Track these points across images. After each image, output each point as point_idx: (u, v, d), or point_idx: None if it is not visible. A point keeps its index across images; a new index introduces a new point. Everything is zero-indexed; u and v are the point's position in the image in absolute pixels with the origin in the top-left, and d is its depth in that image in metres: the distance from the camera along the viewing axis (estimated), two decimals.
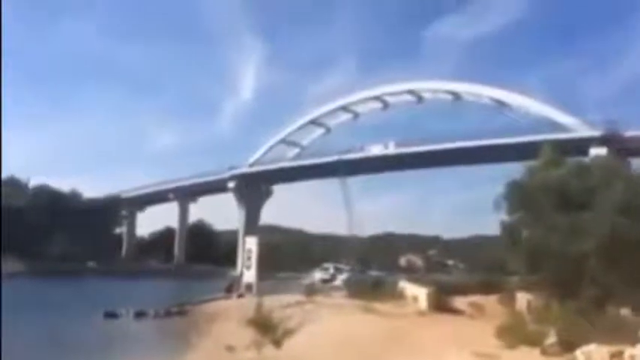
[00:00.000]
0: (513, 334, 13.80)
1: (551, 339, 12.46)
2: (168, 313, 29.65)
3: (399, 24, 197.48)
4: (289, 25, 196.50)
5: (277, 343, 10.74)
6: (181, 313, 30.01)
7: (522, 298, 21.13)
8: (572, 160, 21.47)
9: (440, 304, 23.55)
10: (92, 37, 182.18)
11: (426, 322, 19.28)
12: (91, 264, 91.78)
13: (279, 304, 28.25)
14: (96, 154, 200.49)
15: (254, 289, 34.20)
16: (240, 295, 33.97)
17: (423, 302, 23.90)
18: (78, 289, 45.93)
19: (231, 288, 34.91)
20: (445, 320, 20.29)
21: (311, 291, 29.56)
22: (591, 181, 17.69)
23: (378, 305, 25.35)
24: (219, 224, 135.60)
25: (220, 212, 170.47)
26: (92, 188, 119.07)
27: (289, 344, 13.08)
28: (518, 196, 18.90)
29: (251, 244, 35.10)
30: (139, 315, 28.78)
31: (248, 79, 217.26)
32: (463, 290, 30.82)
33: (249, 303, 29.82)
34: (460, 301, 26.32)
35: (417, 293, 26.06)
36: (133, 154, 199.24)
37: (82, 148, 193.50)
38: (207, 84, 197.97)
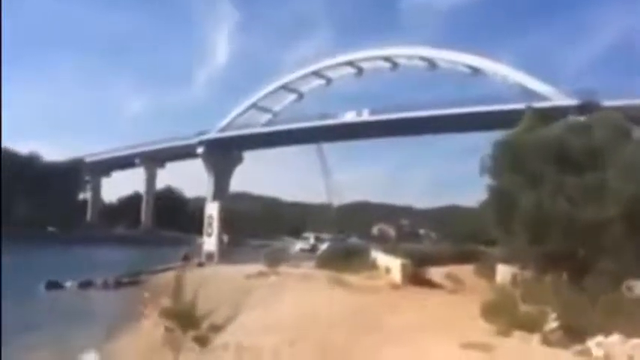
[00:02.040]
0: (503, 315, 11.74)
1: (552, 323, 10.41)
2: (119, 284, 27.14)
3: None
4: None
5: (202, 341, 7.75)
6: (133, 283, 27.51)
7: (504, 271, 19.20)
8: (569, 119, 19.22)
9: (415, 277, 21.56)
10: (66, 2, 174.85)
11: (400, 299, 17.21)
12: (50, 229, 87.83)
13: (241, 274, 26.05)
14: (63, 120, 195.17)
15: (215, 257, 31.92)
16: (200, 264, 31.61)
17: (396, 274, 21.86)
18: (30, 257, 42.86)
19: (188, 256, 32.41)
20: (421, 296, 18.25)
21: (274, 260, 27.27)
22: (595, 141, 15.61)
23: (348, 277, 23.27)
24: (189, 191, 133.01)
25: (191, 178, 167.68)
26: (59, 154, 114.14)
27: (236, 326, 10.71)
28: (509, 156, 16.75)
29: (212, 209, 32.59)
30: (85, 285, 26.22)
31: (221, 45, 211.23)
32: (437, 260, 29.10)
33: (207, 273, 27.60)
34: (435, 273, 24.39)
35: (390, 265, 24.04)
36: (102, 120, 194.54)
37: (50, 113, 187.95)
38: (181, 49, 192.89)
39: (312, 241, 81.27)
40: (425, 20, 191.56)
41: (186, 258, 32.63)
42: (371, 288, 19.91)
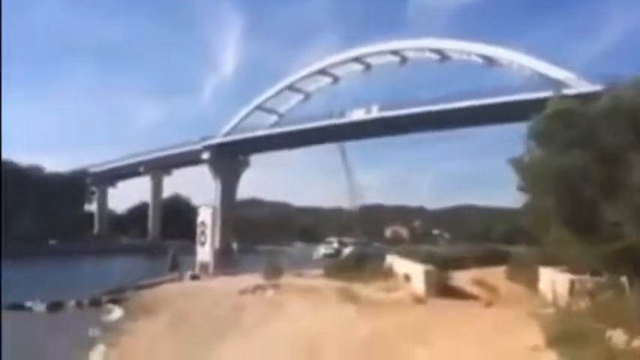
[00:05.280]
0: (583, 346, 8.02)
1: None
2: (96, 303, 23.57)
3: None
4: None
5: None
6: (114, 301, 23.93)
7: (550, 276, 15.35)
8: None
9: (440, 285, 17.79)
10: (70, 13, 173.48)
11: (428, 319, 13.48)
12: (52, 242, 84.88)
13: (236, 288, 22.40)
14: (71, 132, 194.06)
15: (210, 268, 28.34)
16: (194, 277, 28.04)
17: (418, 283, 18.10)
18: (31, 272, 39.81)
19: (175, 266, 28.73)
20: (454, 312, 14.47)
21: (273, 271, 23.63)
22: None
23: (361, 288, 19.57)
24: (197, 198, 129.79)
25: (198, 185, 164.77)
26: (64, 165, 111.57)
27: None
28: (577, 127, 12.74)
29: (205, 215, 28.98)
30: (53, 308, 22.55)
31: (229, 52, 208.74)
32: (459, 263, 25.32)
33: (199, 289, 24.06)
34: (461, 278, 20.55)
35: (410, 271, 20.28)
36: (109, 130, 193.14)
37: (55, 124, 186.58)
38: (188, 58, 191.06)
39: (335, 245, 78.29)
40: (433, 18, 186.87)
41: (172, 269, 28.99)
42: (389, 303, 16.21)
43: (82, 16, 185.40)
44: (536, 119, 14.81)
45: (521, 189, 21.72)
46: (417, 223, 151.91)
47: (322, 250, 76.45)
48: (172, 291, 23.89)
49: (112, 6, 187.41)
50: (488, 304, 15.30)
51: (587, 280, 12.35)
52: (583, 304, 11.50)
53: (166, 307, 20.21)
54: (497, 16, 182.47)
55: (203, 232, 28.87)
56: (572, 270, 14.53)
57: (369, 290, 19.14)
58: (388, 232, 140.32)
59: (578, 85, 64.41)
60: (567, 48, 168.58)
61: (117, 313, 21.34)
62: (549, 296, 15.40)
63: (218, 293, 21.39)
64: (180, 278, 27.97)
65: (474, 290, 19.02)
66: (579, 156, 12.40)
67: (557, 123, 13.46)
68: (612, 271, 11.69)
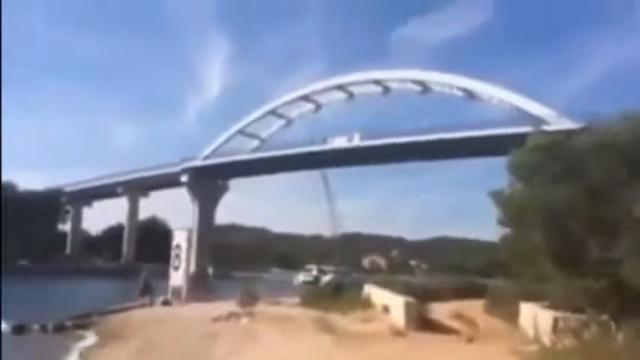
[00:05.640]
0: None
1: None
2: (61, 328, 22.56)
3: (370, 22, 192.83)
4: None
5: None
6: (80, 326, 22.93)
7: (530, 312, 14.96)
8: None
9: (419, 318, 17.30)
10: (51, 30, 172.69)
11: (411, 352, 12.97)
12: (22, 262, 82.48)
13: (209, 315, 21.59)
14: (49, 150, 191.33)
15: (183, 293, 27.45)
16: (166, 302, 27.10)
17: (397, 315, 17.59)
18: None
19: (147, 291, 27.72)
20: (435, 347, 13.95)
21: (249, 299, 22.93)
22: None
23: (338, 319, 18.97)
24: (175, 221, 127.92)
25: (176, 208, 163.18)
26: (40, 184, 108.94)
27: None
28: (563, 160, 12.43)
29: (180, 238, 28.20)
30: (17, 330, 21.55)
31: (213, 75, 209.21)
32: (437, 295, 24.93)
33: (170, 315, 23.21)
34: (440, 311, 20.08)
35: (389, 302, 19.78)
36: (90, 150, 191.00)
37: (35, 143, 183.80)
38: (171, 79, 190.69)
39: (315, 272, 77.83)
40: (416, 51, 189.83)
41: (143, 293, 27.99)
42: (367, 335, 15.64)
43: (64, 33, 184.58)
44: (518, 152, 14.60)
45: (500, 222, 21.54)
46: (394, 253, 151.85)
47: (301, 277, 76.14)
48: (142, 317, 22.98)
49: (95, 25, 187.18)
50: (470, 339, 14.84)
51: (571, 318, 12.00)
52: (567, 342, 11.11)
53: (135, 334, 19.35)
54: (478, 51, 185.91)
55: (177, 256, 28.02)
56: (554, 306, 14.21)
57: (346, 321, 18.56)
58: (366, 262, 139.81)
59: (558, 122, 65.31)
60: (548, 85, 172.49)
61: (90, 339, 20.38)
62: (530, 332, 15.01)
63: (190, 320, 20.57)
64: (152, 303, 27.01)
65: (453, 324, 18.55)
66: (565, 190, 12.12)
67: (542, 156, 13.24)
68: (598, 309, 11.36)
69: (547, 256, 12.69)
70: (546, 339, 12.74)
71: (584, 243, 11.94)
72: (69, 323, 23.10)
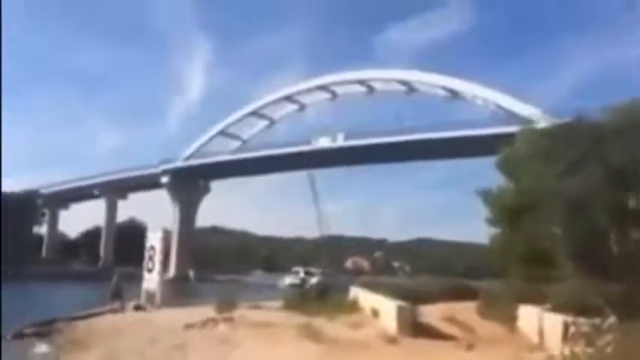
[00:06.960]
0: None
1: None
2: (20, 336, 20.75)
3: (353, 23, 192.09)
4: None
5: None
6: (41, 334, 21.12)
7: (538, 316, 13.67)
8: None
9: (413, 323, 15.92)
10: (32, 35, 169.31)
11: None
12: None
13: (183, 322, 19.88)
14: (34, 156, 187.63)
15: (157, 297, 25.72)
16: (138, 307, 25.35)
17: (389, 320, 16.16)
18: None
19: (117, 295, 25.93)
20: (434, 356, 12.56)
21: (227, 303, 21.32)
22: None
23: (324, 324, 17.47)
24: (154, 223, 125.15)
25: (156, 210, 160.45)
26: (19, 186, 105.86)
27: None
28: (567, 145, 11.22)
29: (154, 240, 26.48)
30: None
31: (195, 79, 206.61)
32: (425, 297, 23.61)
33: (140, 321, 21.47)
34: (430, 314, 18.69)
35: (378, 306, 18.34)
36: (69, 154, 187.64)
37: (15, 146, 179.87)
38: (154, 82, 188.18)
39: (301, 275, 76.44)
40: (402, 54, 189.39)
41: (114, 297, 26.20)
42: (357, 342, 14.18)
43: (44, 38, 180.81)
44: (517, 144, 13.28)
45: (489, 221, 20.24)
46: (377, 255, 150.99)
47: (288, 279, 74.73)
48: (109, 324, 21.23)
49: (76, 30, 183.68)
50: (470, 346, 13.49)
51: (582, 322, 10.73)
52: (579, 349, 9.82)
53: (98, 343, 17.65)
54: (461, 55, 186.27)
55: (151, 258, 26.29)
56: (557, 308, 12.94)
57: (333, 326, 17.07)
58: (349, 263, 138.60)
59: (543, 119, 64.45)
60: (532, 86, 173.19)
61: (43, 347, 18.61)
62: (534, 338, 13.73)
63: (162, 327, 18.87)
64: (122, 309, 25.23)
65: (447, 328, 17.18)
66: (584, 178, 10.80)
67: (554, 142, 11.95)
68: (621, 312, 10.08)
69: (564, 252, 11.38)
70: (554, 345, 11.43)
71: (607, 237, 10.68)
72: (29, 331, 21.29)
